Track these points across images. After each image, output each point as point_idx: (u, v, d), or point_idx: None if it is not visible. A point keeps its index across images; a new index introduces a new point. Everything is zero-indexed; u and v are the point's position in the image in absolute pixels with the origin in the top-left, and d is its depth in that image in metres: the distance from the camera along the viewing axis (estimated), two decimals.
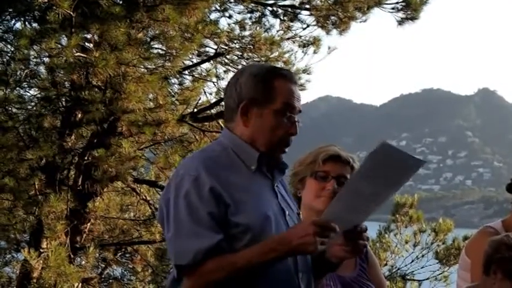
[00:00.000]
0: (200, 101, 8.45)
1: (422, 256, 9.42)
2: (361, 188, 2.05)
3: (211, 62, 8.91)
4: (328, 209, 2.11)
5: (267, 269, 2.05)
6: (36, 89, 7.32)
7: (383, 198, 2.12)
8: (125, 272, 9.17)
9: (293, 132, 2.21)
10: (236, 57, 8.99)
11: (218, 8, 8.78)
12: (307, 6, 8.84)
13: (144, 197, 8.32)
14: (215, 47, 8.61)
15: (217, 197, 2.07)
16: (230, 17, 8.98)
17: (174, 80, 8.51)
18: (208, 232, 2.04)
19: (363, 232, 2.19)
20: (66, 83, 7.15)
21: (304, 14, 8.96)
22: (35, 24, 7.02)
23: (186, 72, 8.68)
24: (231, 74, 9.21)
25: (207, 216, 2.05)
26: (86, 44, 6.90)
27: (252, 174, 2.19)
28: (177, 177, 2.15)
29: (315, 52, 9.08)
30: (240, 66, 9.11)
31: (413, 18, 8.70)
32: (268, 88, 2.20)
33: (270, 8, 9.06)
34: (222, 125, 8.20)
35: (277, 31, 9.05)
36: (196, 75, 8.86)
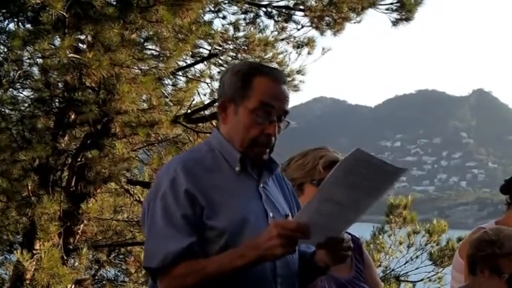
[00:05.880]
0: (194, 102, 8.45)
1: (417, 257, 9.42)
2: (336, 195, 1.92)
3: (205, 63, 8.89)
4: (299, 214, 2.00)
5: (240, 274, 1.99)
6: (30, 90, 7.31)
7: (363, 206, 1.98)
8: (118, 273, 9.15)
9: (270, 133, 2.11)
10: (230, 58, 8.98)
11: (212, 8, 8.76)
12: (302, 7, 8.83)
13: (137, 198, 8.30)
14: (209, 47, 8.60)
15: (192, 199, 2.03)
16: (224, 17, 8.97)
17: (167, 81, 8.50)
18: (180, 235, 1.99)
19: (343, 242, 2.06)
20: (59, 84, 7.13)
21: (298, 15, 8.96)
22: (28, 25, 7.00)
23: (180, 73, 8.67)
24: None
25: (181, 219, 2.01)
26: (80, 45, 6.88)
27: (236, 176, 2.14)
28: (157, 178, 2.14)
29: (309, 53, 9.10)
30: None
31: (407, 19, 8.71)
32: (245, 85, 2.14)
33: (264, 9, 9.05)
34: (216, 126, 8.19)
35: (272, 32, 9.06)
36: (190, 76, 8.85)
